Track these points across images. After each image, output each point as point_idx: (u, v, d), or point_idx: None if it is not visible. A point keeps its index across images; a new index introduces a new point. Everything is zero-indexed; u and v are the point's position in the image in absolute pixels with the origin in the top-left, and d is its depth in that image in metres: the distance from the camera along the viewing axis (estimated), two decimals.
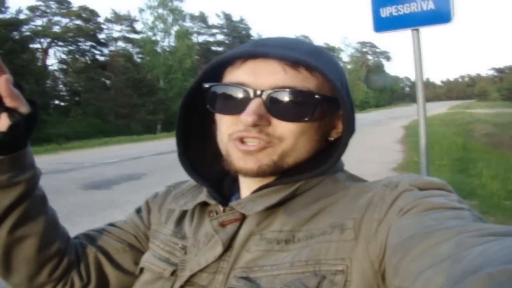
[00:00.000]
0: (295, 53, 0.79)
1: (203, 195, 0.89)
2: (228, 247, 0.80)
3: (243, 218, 0.82)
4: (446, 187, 0.73)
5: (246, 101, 0.78)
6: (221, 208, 0.85)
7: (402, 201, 0.70)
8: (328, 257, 0.70)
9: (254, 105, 0.77)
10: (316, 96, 0.79)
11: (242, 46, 0.85)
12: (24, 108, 0.82)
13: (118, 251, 1.00)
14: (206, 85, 0.84)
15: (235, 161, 0.80)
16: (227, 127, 0.82)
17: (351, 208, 0.75)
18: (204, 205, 0.89)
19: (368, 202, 0.74)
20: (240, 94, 0.79)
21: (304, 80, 0.79)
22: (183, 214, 0.96)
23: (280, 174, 0.83)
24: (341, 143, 0.83)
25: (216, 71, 0.86)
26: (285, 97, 0.78)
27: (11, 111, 0.79)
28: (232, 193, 0.93)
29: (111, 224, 1.06)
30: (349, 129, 0.82)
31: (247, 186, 0.87)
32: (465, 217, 0.62)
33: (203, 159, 0.96)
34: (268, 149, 0.79)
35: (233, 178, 0.94)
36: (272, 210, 0.79)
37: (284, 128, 0.79)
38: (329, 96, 0.81)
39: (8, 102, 0.79)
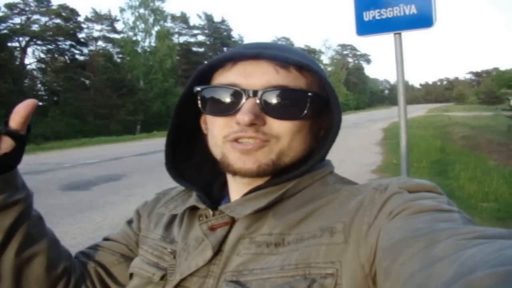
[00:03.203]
0: (284, 53, 0.80)
1: (192, 199, 0.88)
2: (218, 251, 0.79)
3: (232, 221, 0.82)
4: (435, 189, 0.74)
5: (239, 102, 0.78)
6: (210, 212, 0.85)
7: (391, 204, 0.70)
8: (318, 260, 0.70)
9: (249, 104, 0.77)
10: (309, 94, 0.80)
11: (231, 49, 0.86)
12: (23, 131, 0.83)
13: (114, 264, 1.00)
14: (198, 88, 0.84)
15: (233, 162, 0.80)
16: (220, 129, 0.82)
17: (341, 211, 0.75)
18: (193, 209, 0.89)
19: (357, 205, 0.74)
20: (233, 95, 0.79)
21: (295, 79, 0.80)
22: (172, 219, 0.95)
23: (272, 175, 0.83)
24: (328, 140, 0.84)
25: (206, 76, 0.86)
26: (279, 96, 0.78)
27: (14, 134, 0.81)
28: (221, 196, 0.92)
29: (105, 239, 1.06)
30: (337, 126, 0.83)
31: (236, 190, 0.87)
32: (455, 220, 0.62)
33: (189, 165, 0.96)
34: (265, 148, 0.79)
35: (222, 181, 0.94)
36: (261, 213, 0.79)
37: (280, 127, 0.79)
38: (320, 94, 0.82)
39: (17, 125, 0.80)
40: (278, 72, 0.79)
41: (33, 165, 12.55)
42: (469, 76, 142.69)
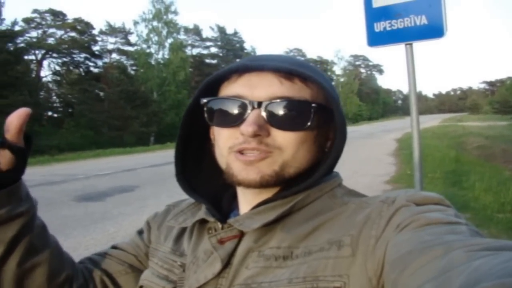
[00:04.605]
0: (288, 65, 0.81)
1: (201, 212, 0.89)
2: (227, 264, 0.80)
3: (241, 235, 0.82)
4: (443, 201, 0.74)
5: (244, 113, 0.79)
6: (219, 225, 0.85)
7: (399, 217, 0.70)
8: (326, 273, 0.70)
9: (253, 116, 0.78)
10: (313, 105, 0.80)
11: (237, 62, 0.87)
12: (22, 143, 0.82)
13: (121, 273, 1.00)
14: (204, 100, 0.85)
15: (237, 173, 0.81)
16: (226, 140, 0.83)
17: (349, 225, 0.75)
18: (203, 222, 0.89)
19: (365, 218, 0.75)
20: (238, 107, 0.81)
21: (300, 90, 0.81)
22: (182, 231, 0.96)
23: (279, 187, 0.84)
24: (332, 151, 0.85)
25: (213, 88, 0.88)
26: (283, 107, 0.79)
27: (12, 147, 0.79)
28: (231, 209, 0.93)
29: (114, 247, 1.06)
30: (342, 138, 0.84)
31: (246, 202, 0.88)
32: (462, 232, 0.62)
33: (200, 176, 0.97)
34: (268, 159, 0.79)
35: (232, 194, 0.94)
36: (270, 227, 0.80)
37: (283, 138, 0.80)
38: (324, 105, 0.83)
39: (13, 137, 0.79)
40: (282, 83, 0.80)
41: (48, 176, 12.68)
42: (482, 85, 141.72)
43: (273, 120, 0.79)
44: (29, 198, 0.86)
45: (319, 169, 0.84)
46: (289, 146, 0.80)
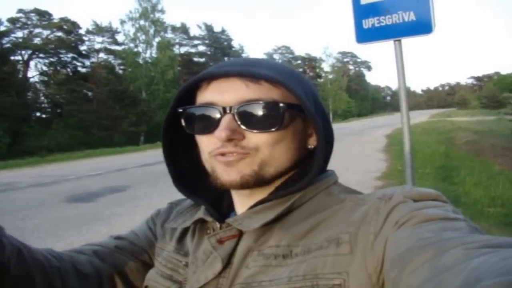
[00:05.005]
0: (253, 69, 0.82)
1: (200, 213, 0.90)
2: (227, 263, 0.80)
3: (240, 234, 0.83)
4: (440, 197, 0.74)
5: (217, 119, 0.81)
6: (218, 225, 0.86)
7: (397, 214, 0.71)
8: (325, 271, 0.71)
9: (225, 121, 0.80)
10: (281, 105, 0.81)
11: (205, 70, 0.88)
12: None
13: (132, 271, 0.97)
14: (180, 110, 0.87)
15: (220, 175, 0.82)
16: (206, 146, 0.84)
17: (347, 222, 0.76)
18: (204, 222, 0.90)
19: (363, 215, 0.75)
20: (211, 113, 0.82)
21: (267, 92, 0.82)
22: (185, 231, 0.96)
23: (274, 188, 0.85)
24: (318, 149, 0.85)
25: (191, 95, 0.89)
26: (252, 110, 0.80)
27: None
28: (231, 210, 0.93)
29: (120, 237, 1.02)
30: (321, 133, 0.84)
31: (239, 202, 0.89)
32: (461, 228, 0.63)
33: (198, 180, 0.97)
34: (246, 159, 0.81)
35: (231, 196, 0.95)
36: (268, 226, 0.80)
37: (257, 139, 0.81)
38: (295, 104, 0.83)
39: None
40: (248, 86, 0.81)
41: (38, 177, 12.60)
42: (470, 81, 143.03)
43: (245, 123, 0.80)
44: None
45: (312, 168, 0.84)
46: (264, 146, 0.81)
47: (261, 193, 0.85)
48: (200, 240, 0.88)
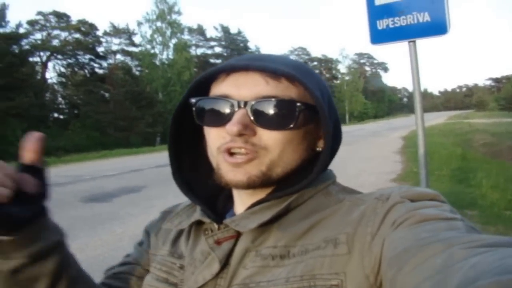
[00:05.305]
0: (274, 65, 0.81)
1: (197, 214, 0.89)
2: (224, 264, 0.80)
3: (238, 235, 0.83)
4: (438, 197, 0.74)
5: (231, 112, 0.80)
6: (215, 225, 0.86)
7: (394, 214, 0.71)
8: (323, 271, 0.71)
9: (238, 115, 0.78)
10: (298, 104, 0.80)
11: (225, 62, 0.87)
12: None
13: None
14: (193, 100, 0.86)
15: (225, 174, 0.81)
16: (214, 140, 0.83)
17: (344, 222, 0.76)
18: (199, 223, 0.89)
19: (360, 215, 0.75)
20: (224, 106, 0.81)
21: (285, 90, 0.81)
22: (179, 234, 0.96)
23: (272, 188, 0.84)
24: (323, 151, 0.84)
25: (205, 87, 0.88)
26: (268, 107, 0.79)
27: (34, 169, 0.75)
28: (226, 209, 0.93)
29: (127, 263, 1.02)
30: (329, 138, 0.83)
31: (241, 202, 0.88)
32: (459, 228, 0.63)
33: (196, 176, 0.97)
34: (255, 161, 0.80)
35: (227, 195, 0.94)
36: (266, 226, 0.80)
37: (269, 137, 0.80)
38: (311, 105, 0.82)
39: (32, 162, 0.75)
40: (268, 83, 0.80)
41: (54, 177, 12.69)
42: (488, 82, 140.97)
43: (259, 119, 0.79)
44: (57, 225, 0.83)
45: (313, 170, 0.83)
46: (275, 146, 0.80)
47: (264, 192, 0.85)
48: (197, 241, 0.88)
